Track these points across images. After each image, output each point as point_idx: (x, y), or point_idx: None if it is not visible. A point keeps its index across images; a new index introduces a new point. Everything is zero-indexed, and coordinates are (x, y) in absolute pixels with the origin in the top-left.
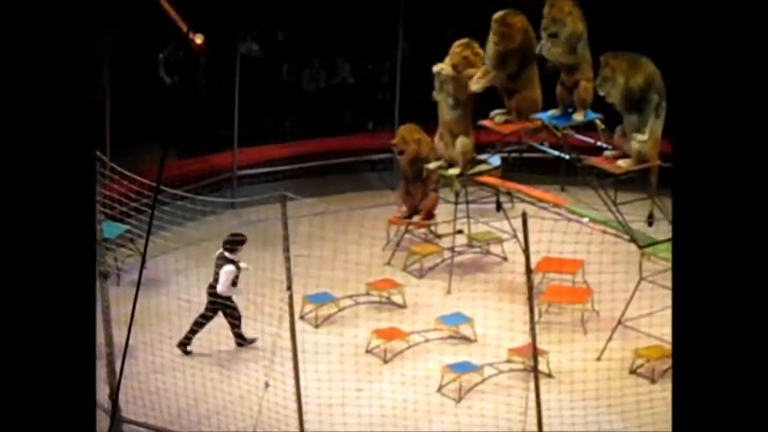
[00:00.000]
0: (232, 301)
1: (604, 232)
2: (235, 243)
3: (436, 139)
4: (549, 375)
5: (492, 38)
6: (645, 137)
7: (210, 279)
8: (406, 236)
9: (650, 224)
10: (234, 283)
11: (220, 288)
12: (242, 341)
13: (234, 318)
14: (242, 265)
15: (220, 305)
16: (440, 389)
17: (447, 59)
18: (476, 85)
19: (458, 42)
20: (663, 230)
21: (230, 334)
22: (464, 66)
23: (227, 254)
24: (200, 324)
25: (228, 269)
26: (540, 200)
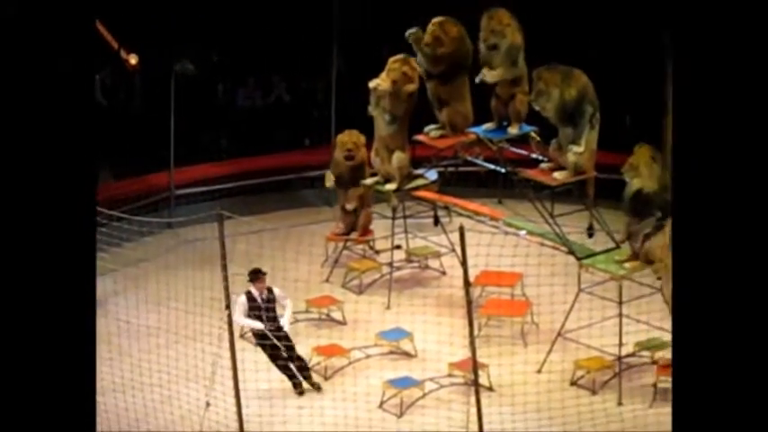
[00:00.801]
0: (268, 338)
1: (542, 244)
2: (252, 274)
3: (372, 154)
4: (490, 389)
5: (426, 38)
6: (581, 148)
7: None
8: (345, 252)
9: (590, 235)
10: (256, 317)
11: (235, 319)
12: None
13: (278, 359)
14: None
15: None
16: (381, 404)
17: (383, 75)
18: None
19: (394, 58)
20: (601, 242)
21: (169, 353)
22: (403, 81)
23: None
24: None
25: (240, 299)
26: (478, 213)
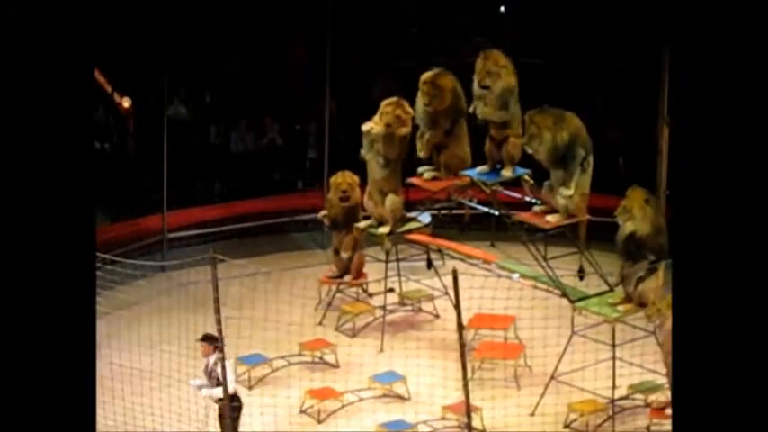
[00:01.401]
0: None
1: (535, 287)
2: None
3: (365, 197)
4: None
5: (422, 99)
6: (570, 191)
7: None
8: (338, 295)
9: (581, 278)
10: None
11: (232, 385)
12: None
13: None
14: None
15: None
16: None
17: (376, 118)
18: (421, 152)
19: (387, 101)
20: (594, 284)
21: (162, 396)
22: (397, 124)
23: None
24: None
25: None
26: (471, 256)
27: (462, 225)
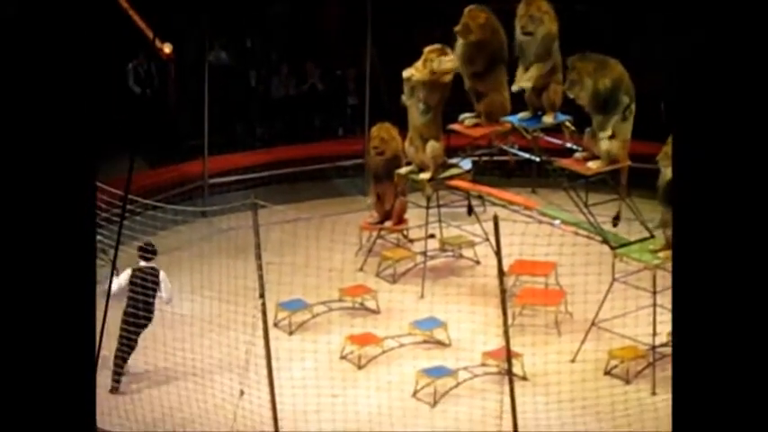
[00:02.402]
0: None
1: (576, 234)
2: (151, 252)
3: (406, 143)
4: (524, 378)
5: (458, 32)
6: (608, 133)
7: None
8: (379, 241)
9: (615, 225)
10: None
11: (168, 295)
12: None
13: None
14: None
15: (146, 318)
16: (414, 393)
17: (417, 64)
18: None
19: (430, 47)
20: (635, 231)
21: (203, 342)
22: (441, 71)
23: (144, 263)
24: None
25: (164, 275)
26: (512, 203)
27: (508, 171)
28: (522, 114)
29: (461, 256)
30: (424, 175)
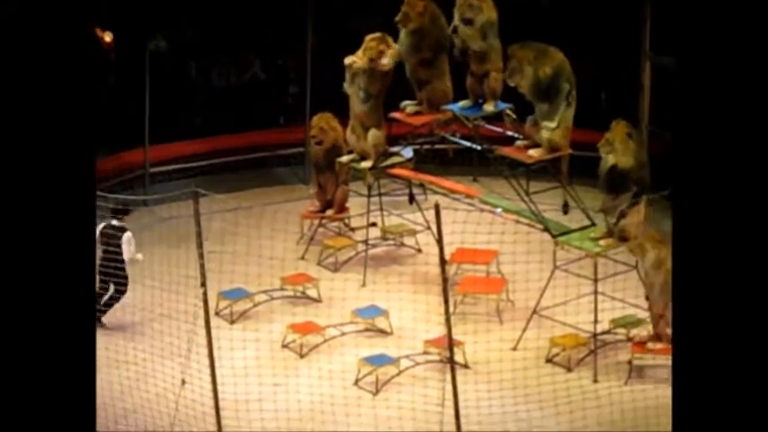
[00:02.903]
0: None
1: (518, 222)
2: (122, 212)
3: (348, 131)
4: (466, 366)
5: (398, 19)
6: (553, 124)
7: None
8: (320, 230)
9: (565, 212)
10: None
11: (128, 255)
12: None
13: (120, 291)
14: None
15: (117, 276)
16: (356, 382)
17: (359, 52)
18: (387, 60)
19: (371, 36)
20: (576, 219)
21: (144, 331)
22: (379, 59)
23: (116, 222)
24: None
25: (129, 235)
26: (453, 191)
27: (446, 159)
28: (463, 103)
29: (403, 245)
30: (366, 164)
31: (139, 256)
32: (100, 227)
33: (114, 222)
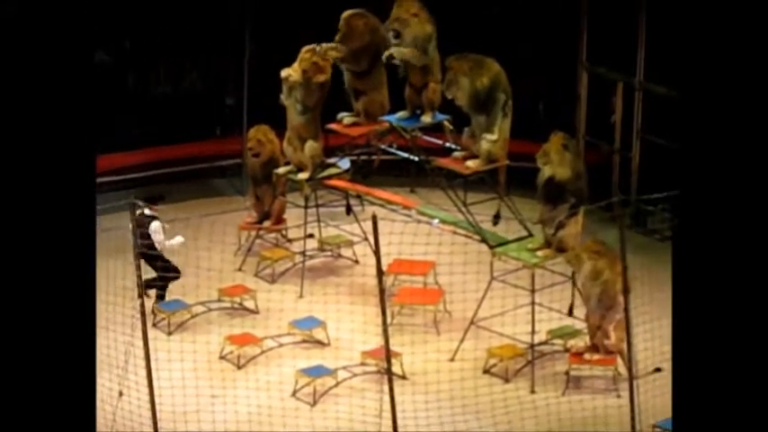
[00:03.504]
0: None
1: (455, 233)
2: (154, 200)
3: (285, 143)
4: (403, 377)
5: (337, 35)
6: (494, 136)
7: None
8: (257, 241)
9: (495, 223)
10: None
11: (159, 245)
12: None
13: (164, 278)
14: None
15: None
16: (294, 393)
17: (295, 65)
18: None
19: (306, 48)
20: (513, 230)
21: None
22: (314, 71)
23: (147, 211)
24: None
25: (155, 225)
26: (390, 202)
27: (369, 171)
28: (400, 114)
29: (340, 256)
30: (303, 175)
31: (178, 239)
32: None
33: (146, 211)
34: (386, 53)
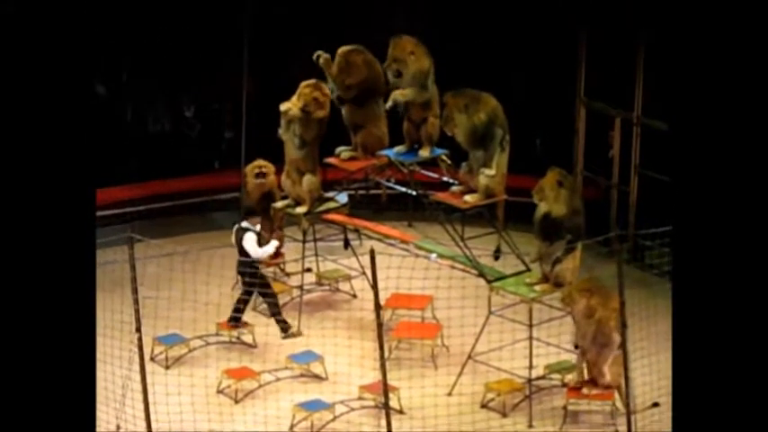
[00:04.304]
0: (264, 279)
1: (453, 267)
2: (249, 214)
3: (283, 177)
4: (401, 411)
5: (334, 69)
6: (493, 171)
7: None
8: None
9: (497, 258)
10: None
11: (254, 254)
12: (284, 327)
13: (271, 298)
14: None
15: (252, 282)
16: (292, 428)
17: (294, 99)
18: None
19: (306, 83)
20: (511, 265)
21: None
22: (315, 107)
23: (245, 223)
24: (243, 302)
25: (249, 235)
26: (388, 236)
27: (379, 205)
28: (398, 148)
29: (338, 290)
30: (301, 209)
31: (272, 244)
32: (234, 228)
33: (243, 224)
34: (389, 102)
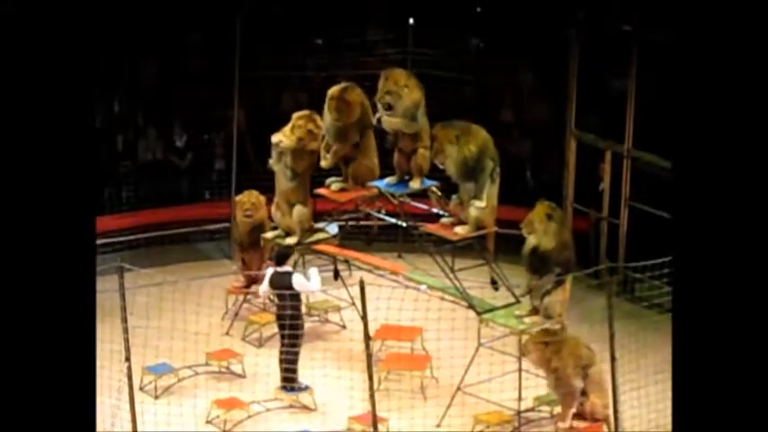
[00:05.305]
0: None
1: (442, 299)
2: (282, 257)
3: (273, 208)
4: None
5: (331, 114)
6: (483, 203)
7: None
8: (245, 305)
9: (496, 289)
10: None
11: (313, 287)
12: (290, 379)
13: (295, 348)
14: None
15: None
16: None
17: (286, 130)
18: (325, 163)
19: (299, 114)
20: (501, 296)
21: None
22: (309, 139)
23: (280, 269)
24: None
25: (297, 277)
26: (378, 267)
27: (369, 237)
28: (388, 179)
29: (327, 321)
30: (291, 240)
31: (314, 272)
32: (268, 276)
33: (279, 269)
34: (375, 118)
